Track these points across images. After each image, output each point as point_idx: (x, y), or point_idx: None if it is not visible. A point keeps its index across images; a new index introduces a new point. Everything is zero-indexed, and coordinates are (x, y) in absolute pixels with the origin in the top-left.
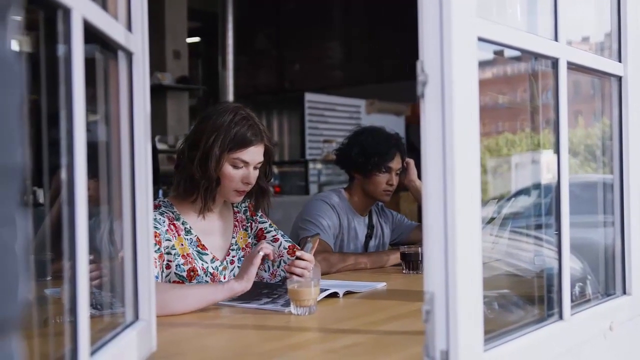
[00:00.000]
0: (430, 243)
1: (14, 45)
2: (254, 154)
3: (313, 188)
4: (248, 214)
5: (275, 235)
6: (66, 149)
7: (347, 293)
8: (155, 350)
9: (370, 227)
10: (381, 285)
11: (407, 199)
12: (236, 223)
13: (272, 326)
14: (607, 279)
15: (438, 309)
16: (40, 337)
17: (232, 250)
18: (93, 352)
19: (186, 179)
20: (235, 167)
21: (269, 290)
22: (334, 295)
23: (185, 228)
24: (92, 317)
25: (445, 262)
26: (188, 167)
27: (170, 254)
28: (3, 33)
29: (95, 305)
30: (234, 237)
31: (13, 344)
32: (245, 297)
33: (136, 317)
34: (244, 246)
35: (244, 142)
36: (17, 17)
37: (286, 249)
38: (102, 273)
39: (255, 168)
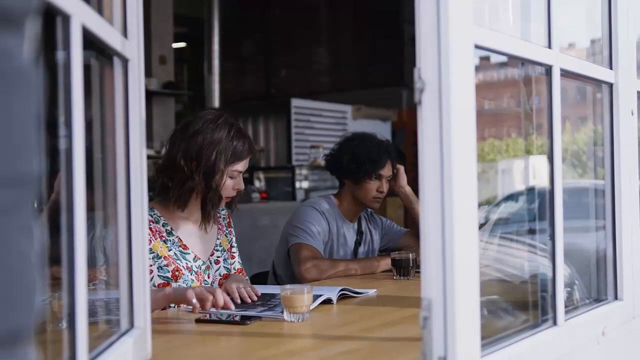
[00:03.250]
0: (427, 249)
1: (31, 55)
2: (247, 163)
3: (300, 194)
4: (226, 222)
5: (235, 253)
6: (65, 154)
7: (342, 297)
8: (150, 358)
9: (360, 233)
10: (372, 292)
11: (393, 205)
12: (220, 226)
13: (266, 333)
14: (599, 284)
15: (436, 316)
16: (36, 345)
17: (217, 250)
18: None
19: (187, 191)
20: (231, 177)
21: (264, 300)
22: (328, 301)
23: (166, 230)
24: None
25: (443, 268)
26: (188, 180)
27: (149, 258)
28: (20, 42)
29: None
30: (218, 239)
31: (29, 352)
32: (242, 306)
33: (131, 325)
34: (227, 249)
35: (243, 155)
36: (34, 26)
37: (235, 270)
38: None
39: (243, 175)
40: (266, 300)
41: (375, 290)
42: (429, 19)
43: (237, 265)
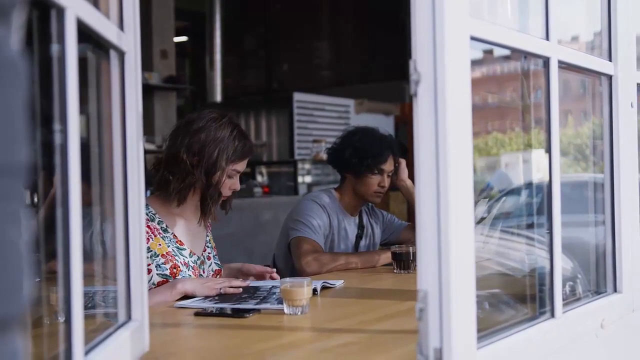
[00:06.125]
0: (423, 241)
1: (18, 45)
2: (245, 164)
3: (302, 188)
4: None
5: (214, 252)
6: (60, 149)
7: (324, 288)
8: (147, 351)
9: (361, 227)
10: (339, 283)
11: (396, 199)
12: (208, 225)
13: (265, 326)
14: (598, 277)
15: (431, 307)
16: (32, 338)
17: (208, 247)
18: (87, 352)
19: (187, 186)
20: (229, 177)
21: (250, 293)
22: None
23: (161, 227)
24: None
25: (439, 260)
26: (189, 176)
27: (147, 257)
28: (7, 33)
29: (86, 305)
30: (208, 236)
31: (17, 341)
32: (232, 300)
33: (129, 317)
34: (214, 246)
35: (243, 155)
36: (20, 17)
37: (213, 271)
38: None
39: (241, 175)
40: (252, 293)
41: (343, 281)
42: (425, 10)
43: (215, 267)
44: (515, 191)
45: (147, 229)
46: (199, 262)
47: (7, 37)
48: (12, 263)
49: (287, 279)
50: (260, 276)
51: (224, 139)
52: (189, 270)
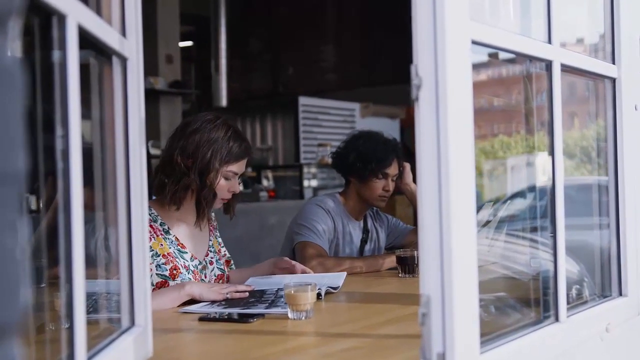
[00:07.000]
0: (426, 246)
1: (15, 52)
2: (243, 166)
3: (308, 192)
4: (215, 224)
5: (222, 247)
6: (61, 155)
7: (328, 293)
8: (151, 356)
9: (366, 231)
10: (342, 276)
11: (402, 203)
12: (211, 228)
13: (269, 331)
14: (603, 280)
15: (434, 312)
16: (36, 344)
17: (211, 251)
18: (90, 358)
19: (182, 188)
20: (226, 178)
21: (257, 297)
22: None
23: (163, 229)
24: (87, 322)
25: (441, 264)
26: (184, 177)
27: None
28: (3, 40)
29: (89, 310)
30: (210, 240)
31: (14, 348)
32: (239, 305)
33: (132, 323)
34: (217, 250)
35: (238, 156)
36: (17, 24)
37: (215, 276)
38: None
39: (239, 178)
40: (259, 297)
41: (345, 273)
42: (425, 15)
43: (225, 260)
44: (521, 194)
45: (149, 228)
46: (200, 266)
47: (3, 44)
48: (9, 271)
49: (291, 284)
50: (291, 270)
51: (217, 139)
52: (188, 273)
